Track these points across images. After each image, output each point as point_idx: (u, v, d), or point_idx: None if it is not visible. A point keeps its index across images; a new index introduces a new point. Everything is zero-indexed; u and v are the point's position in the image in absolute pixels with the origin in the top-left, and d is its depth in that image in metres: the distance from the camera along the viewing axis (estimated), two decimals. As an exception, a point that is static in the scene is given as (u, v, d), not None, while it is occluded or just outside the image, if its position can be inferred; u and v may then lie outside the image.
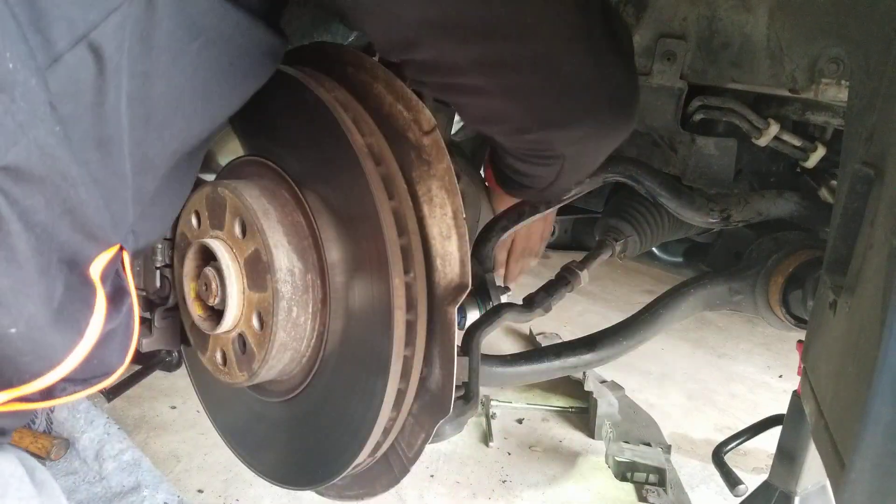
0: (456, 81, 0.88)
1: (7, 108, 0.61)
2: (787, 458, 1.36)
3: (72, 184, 0.67)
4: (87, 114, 0.69)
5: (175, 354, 2.44)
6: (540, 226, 1.48)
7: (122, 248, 0.77)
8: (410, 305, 0.93)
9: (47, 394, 0.71)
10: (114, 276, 0.77)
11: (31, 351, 0.67)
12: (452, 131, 1.64)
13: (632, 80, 0.96)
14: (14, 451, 0.78)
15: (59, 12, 0.65)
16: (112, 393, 2.27)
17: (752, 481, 1.45)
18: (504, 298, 1.28)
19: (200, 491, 1.97)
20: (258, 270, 0.96)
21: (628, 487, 2.07)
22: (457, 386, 1.00)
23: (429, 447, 1.03)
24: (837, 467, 0.66)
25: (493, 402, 2.46)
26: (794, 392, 1.34)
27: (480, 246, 1.31)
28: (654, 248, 1.66)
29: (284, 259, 0.96)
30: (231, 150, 1.14)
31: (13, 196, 0.62)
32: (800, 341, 1.01)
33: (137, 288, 0.90)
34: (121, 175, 0.75)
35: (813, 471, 1.35)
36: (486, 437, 2.30)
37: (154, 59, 0.73)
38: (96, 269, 0.73)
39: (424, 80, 0.92)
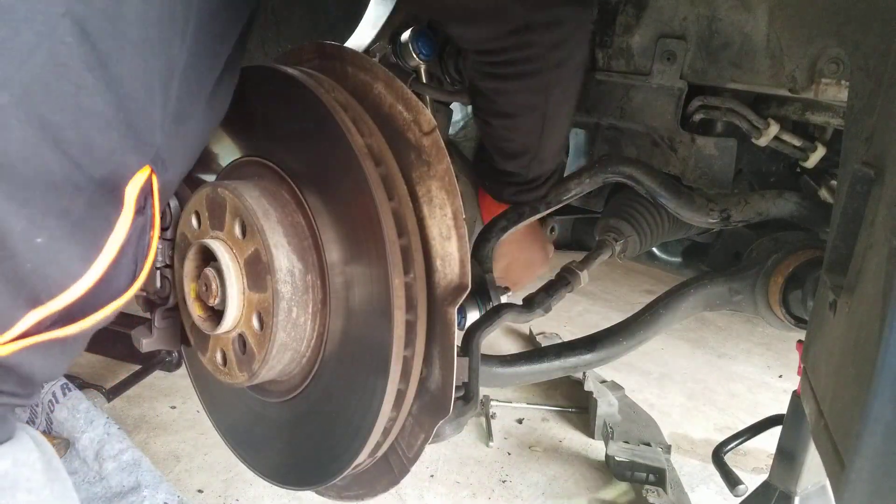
0: None
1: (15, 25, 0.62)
2: (787, 458, 1.36)
3: (87, 94, 0.68)
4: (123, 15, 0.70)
5: (175, 354, 2.45)
6: (539, 256, 1.49)
7: (153, 172, 0.79)
8: (410, 306, 0.93)
9: (69, 316, 0.74)
10: (144, 201, 0.79)
11: (55, 261, 0.70)
12: (450, 132, 1.64)
13: None
14: (31, 434, 0.79)
15: None
16: (112, 393, 2.28)
17: (752, 481, 1.45)
18: (504, 298, 1.29)
19: (200, 491, 1.97)
20: (258, 271, 0.96)
21: (628, 487, 2.07)
22: (457, 386, 1.00)
23: (429, 447, 1.03)
24: (837, 467, 0.66)
25: (493, 402, 2.46)
26: (794, 392, 1.34)
27: (480, 246, 1.31)
28: (654, 248, 1.66)
29: (284, 259, 0.96)
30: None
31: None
32: (800, 341, 1.01)
33: (161, 224, 0.94)
34: (148, 85, 0.75)
35: (813, 471, 1.35)
36: (486, 437, 2.30)
37: None
38: (133, 189, 0.76)
39: None
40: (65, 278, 0.72)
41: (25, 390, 0.76)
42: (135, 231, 0.78)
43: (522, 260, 1.45)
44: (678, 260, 1.71)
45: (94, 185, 0.72)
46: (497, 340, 2.99)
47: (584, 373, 2.55)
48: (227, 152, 1.13)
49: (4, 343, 0.69)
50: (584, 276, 1.29)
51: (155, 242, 0.84)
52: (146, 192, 0.79)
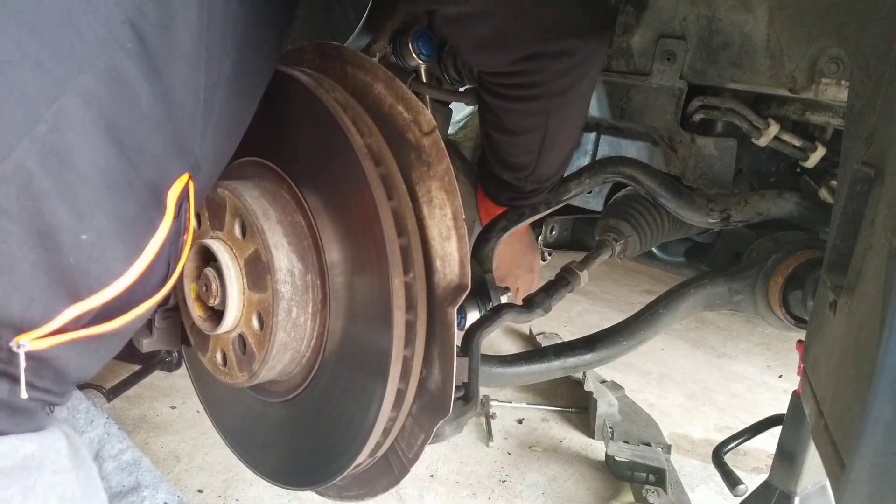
0: (461, 10, 1.00)
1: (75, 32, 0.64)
2: (787, 458, 1.36)
3: (143, 101, 0.71)
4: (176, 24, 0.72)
5: (175, 354, 2.44)
6: (528, 259, 1.50)
7: (190, 178, 0.81)
8: (410, 306, 0.93)
9: (106, 314, 0.75)
10: (181, 206, 0.81)
11: (98, 258, 0.71)
12: (449, 132, 1.64)
13: (607, 12, 1.07)
14: (62, 428, 0.80)
15: None
16: (112, 393, 2.27)
17: (752, 481, 1.45)
18: (504, 299, 1.28)
19: (200, 491, 1.97)
20: (258, 271, 0.96)
21: (628, 487, 2.07)
22: (456, 386, 1.00)
23: (429, 447, 1.03)
24: (837, 467, 0.66)
25: (493, 402, 2.46)
26: (794, 392, 1.34)
27: (480, 246, 1.31)
28: (653, 248, 1.66)
29: (284, 259, 0.96)
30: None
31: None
32: (800, 341, 1.01)
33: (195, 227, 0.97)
34: (195, 94, 0.77)
35: (813, 471, 1.35)
36: (486, 437, 2.30)
37: None
38: (173, 194, 0.78)
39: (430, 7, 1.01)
40: (106, 275, 0.73)
41: (60, 388, 0.77)
42: (172, 234, 0.80)
43: (513, 262, 1.46)
44: (679, 260, 1.71)
45: (145, 187, 0.74)
46: (497, 340, 2.99)
47: (584, 373, 2.55)
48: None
49: (43, 336, 0.70)
50: (584, 276, 1.29)
51: (188, 246, 0.86)
52: (183, 198, 0.81)
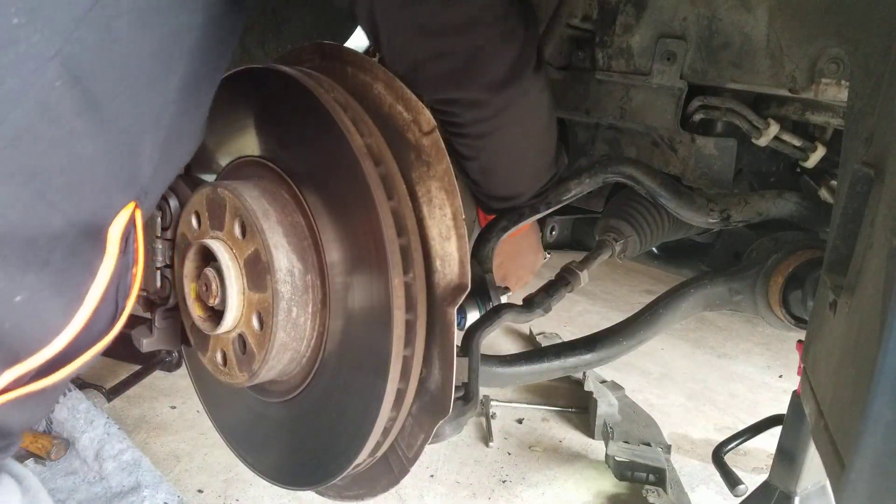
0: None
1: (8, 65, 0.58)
2: (787, 458, 1.36)
3: (78, 139, 0.65)
4: (109, 54, 0.66)
5: (175, 354, 2.44)
6: (532, 259, 1.49)
7: (136, 207, 0.76)
8: (410, 305, 0.93)
9: (48, 368, 0.71)
10: (127, 239, 0.76)
11: (35, 317, 0.67)
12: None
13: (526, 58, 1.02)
14: (15, 473, 0.77)
15: None
16: (112, 393, 2.28)
17: (752, 481, 1.45)
18: (504, 299, 1.28)
19: (200, 491, 1.97)
20: (258, 271, 0.96)
21: (628, 487, 2.07)
22: (456, 386, 0.99)
23: (429, 447, 1.03)
24: (837, 467, 0.66)
25: (493, 402, 2.46)
26: (794, 392, 1.34)
27: (480, 246, 1.31)
28: (653, 248, 1.66)
29: (284, 259, 0.95)
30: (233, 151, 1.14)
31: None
32: (800, 341, 1.01)
33: (144, 269, 0.90)
34: (140, 120, 0.72)
35: (813, 471, 1.35)
36: (486, 437, 2.30)
37: None
38: (117, 229, 0.73)
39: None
40: (45, 333, 0.69)
41: (4, 441, 0.74)
42: (117, 272, 0.75)
43: (516, 260, 1.45)
44: (679, 260, 1.71)
45: (76, 232, 0.69)
46: (497, 340, 2.99)
47: (584, 373, 2.55)
48: (227, 152, 1.13)
49: None
50: (583, 276, 1.29)
51: (138, 278, 0.81)
52: (129, 229, 0.76)
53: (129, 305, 0.81)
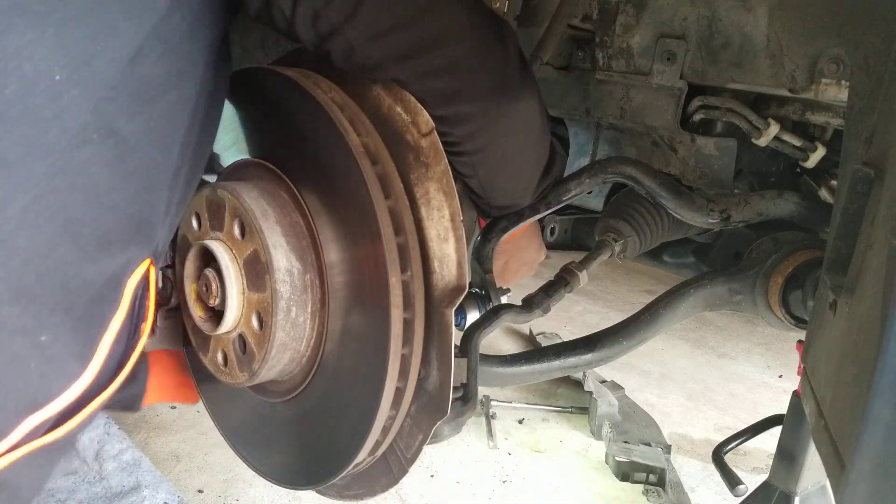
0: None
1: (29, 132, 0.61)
2: (787, 458, 1.36)
3: (107, 190, 0.68)
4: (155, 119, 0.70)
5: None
6: (534, 256, 1.49)
7: (151, 264, 0.78)
8: (407, 304, 0.93)
9: (59, 419, 0.71)
10: (140, 294, 0.78)
11: (56, 360, 0.68)
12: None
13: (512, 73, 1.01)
14: None
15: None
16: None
17: (752, 481, 1.45)
18: (504, 299, 1.28)
19: (200, 491, 1.97)
20: (257, 271, 0.96)
21: (628, 487, 2.07)
22: (455, 387, 0.99)
23: (429, 447, 1.03)
24: (837, 467, 0.66)
25: (493, 402, 2.46)
26: (794, 392, 1.34)
27: (481, 246, 1.31)
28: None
29: (283, 259, 0.96)
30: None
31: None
32: (800, 341, 1.01)
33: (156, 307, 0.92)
34: (159, 178, 0.74)
35: (813, 471, 1.35)
36: (487, 437, 2.30)
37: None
38: (132, 283, 0.75)
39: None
40: (64, 378, 0.69)
41: None
42: (126, 326, 0.76)
43: (517, 257, 1.45)
44: (678, 260, 1.71)
45: (102, 280, 0.71)
46: (497, 340, 2.99)
47: (584, 373, 2.55)
48: (226, 153, 1.13)
49: (1, 454, 0.65)
50: (583, 276, 1.29)
51: (145, 335, 0.82)
52: (143, 285, 0.78)
53: (133, 359, 0.82)
